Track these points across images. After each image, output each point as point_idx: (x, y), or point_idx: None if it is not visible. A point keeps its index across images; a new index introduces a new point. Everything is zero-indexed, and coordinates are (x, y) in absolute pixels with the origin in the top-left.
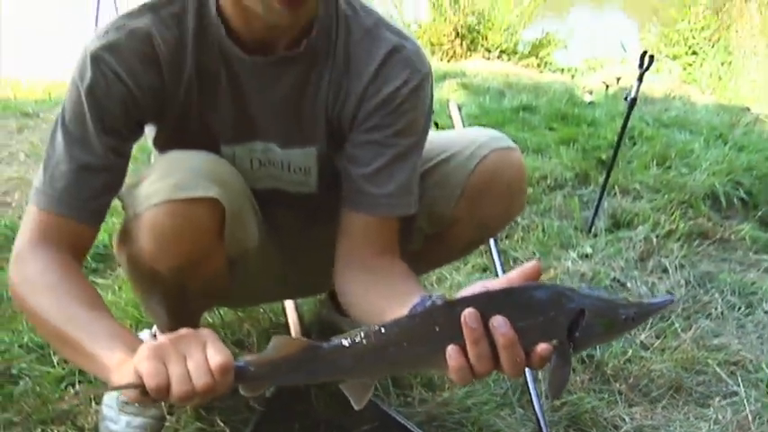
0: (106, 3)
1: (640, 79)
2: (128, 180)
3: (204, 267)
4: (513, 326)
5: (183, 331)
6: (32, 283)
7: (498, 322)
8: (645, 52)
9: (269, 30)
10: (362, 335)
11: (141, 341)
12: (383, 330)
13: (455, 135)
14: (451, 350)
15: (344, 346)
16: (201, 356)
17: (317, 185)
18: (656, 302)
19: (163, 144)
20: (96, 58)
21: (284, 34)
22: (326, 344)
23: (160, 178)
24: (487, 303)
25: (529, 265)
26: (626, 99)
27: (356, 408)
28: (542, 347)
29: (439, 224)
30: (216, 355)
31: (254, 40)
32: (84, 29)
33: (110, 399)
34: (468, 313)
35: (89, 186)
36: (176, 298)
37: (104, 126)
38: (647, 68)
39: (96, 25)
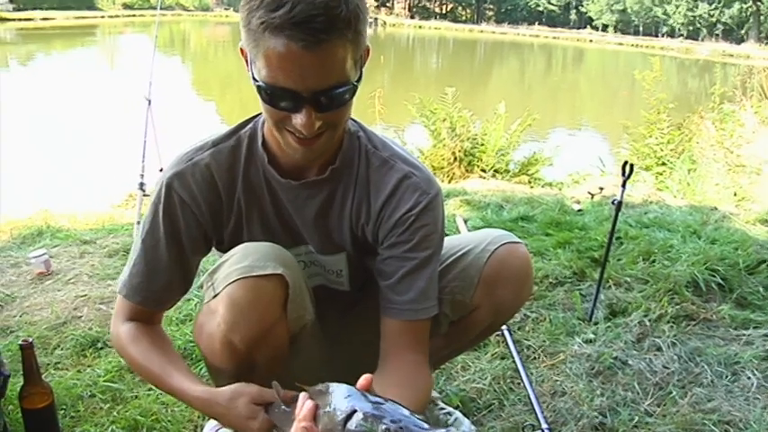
0: (150, 153)
1: (624, 185)
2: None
3: (272, 337)
4: (315, 410)
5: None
6: (126, 345)
7: (303, 404)
8: (626, 162)
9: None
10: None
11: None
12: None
13: (470, 235)
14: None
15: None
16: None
17: (349, 284)
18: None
19: (226, 251)
20: (168, 185)
21: (315, 162)
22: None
23: (236, 262)
24: (314, 396)
25: (363, 377)
26: (613, 203)
27: None
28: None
29: (461, 310)
30: None
31: (289, 168)
32: (129, 170)
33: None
34: (299, 399)
35: (157, 283)
36: (245, 376)
37: (173, 238)
38: (629, 176)
39: (143, 163)
